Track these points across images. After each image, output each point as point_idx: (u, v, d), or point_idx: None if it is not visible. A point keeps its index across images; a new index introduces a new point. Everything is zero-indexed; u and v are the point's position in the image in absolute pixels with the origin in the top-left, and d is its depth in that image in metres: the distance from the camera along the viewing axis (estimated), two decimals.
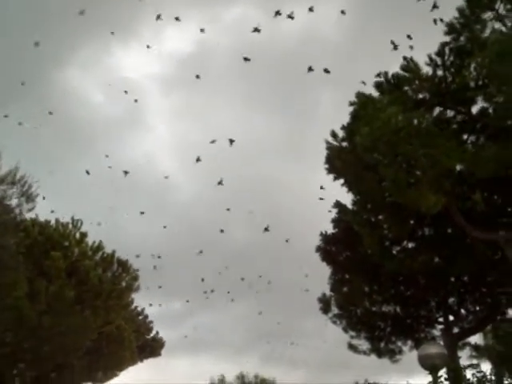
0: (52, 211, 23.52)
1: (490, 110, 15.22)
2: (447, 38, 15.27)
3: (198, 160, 20.58)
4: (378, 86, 16.65)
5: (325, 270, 23.73)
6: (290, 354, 46.71)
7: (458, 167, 15.42)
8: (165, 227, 25.61)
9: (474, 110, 15.67)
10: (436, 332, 22.90)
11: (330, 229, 23.51)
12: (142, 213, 23.28)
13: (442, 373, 11.26)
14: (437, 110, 15.98)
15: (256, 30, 16.40)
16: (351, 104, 16.83)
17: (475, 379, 10.56)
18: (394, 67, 16.02)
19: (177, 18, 15.82)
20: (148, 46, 18.63)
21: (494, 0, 14.15)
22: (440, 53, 15.29)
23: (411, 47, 15.70)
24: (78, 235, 24.26)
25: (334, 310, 23.92)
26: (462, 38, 14.96)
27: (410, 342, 23.31)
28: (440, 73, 15.31)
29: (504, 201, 17.68)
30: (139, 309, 34.90)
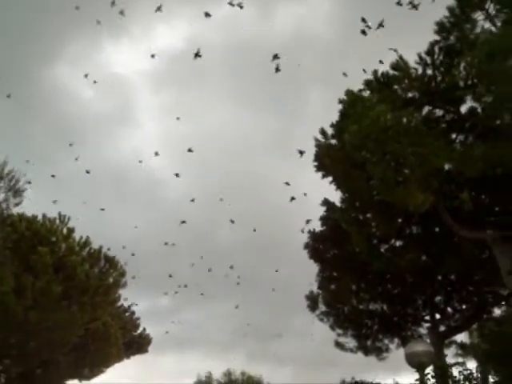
0: (52, 202, 23.45)
1: (479, 110, 15.27)
2: (437, 37, 15.29)
3: (189, 150, 20.66)
4: (367, 84, 16.66)
5: (312, 268, 23.80)
6: (276, 352, 46.86)
7: (447, 166, 15.45)
8: (136, 227, 25.61)
9: (463, 109, 15.72)
10: (423, 330, 23.06)
11: (318, 226, 23.58)
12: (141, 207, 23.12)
13: (429, 370, 11.31)
14: (426, 108, 16.00)
15: (207, 14, 16.24)
16: (340, 102, 16.85)
17: (462, 377, 10.61)
18: (384, 66, 16.04)
19: (158, 8, 15.63)
20: (138, 45, 18.45)
21: (484, 0, 14.20)
22: (430, 52, 15.31)
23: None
24: (65, 230, 24.12)
25: (322, 307, 24.00)
26: (451, 37, 15.00)
27: (396, 340, 23.46)
28: (429, 72, 15.34)
29: (491, 200, 17.75)
30: (126, 305, 34.83)
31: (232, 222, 22.25)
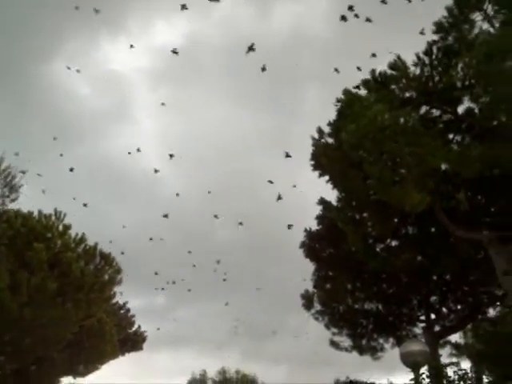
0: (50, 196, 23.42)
1: (476, 110, 15.29)
2: (435, 37, 15.31)
3: (171, 156, 20.71)
4: (364, 83, 16.66)
5: (308, 267, 23.82)
6: (271, 350, 46.88)
7: (443, 166, 15.46)
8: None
9: (460, 109, 15.73)
10: (417, 330, 23.08)
11: (314, 225, 23.59)
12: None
13: (424, 370, 11.32)
14: (423, 108, 16.03)
15: (183, 7, 16.24)
16: (338, 101, 16.85)
17: (457, 376, 10.63)
18: (382, 65, 16.04)
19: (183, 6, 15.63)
20: (132, 46, 18.38)
21: (483, 0, 14.21)
22: (428, 52, 15.33)
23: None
24: (61, 227, 24.05)
25: (317, 306, 23.99)
26: (450, 38, 15.01)
27: (391, 340, 23.48)
28: (427, 72, 15.35)
29: (487, 201, 17.78)
30: (121, 302, 34.81)
31: (240, 223, 22.13)
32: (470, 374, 11.43)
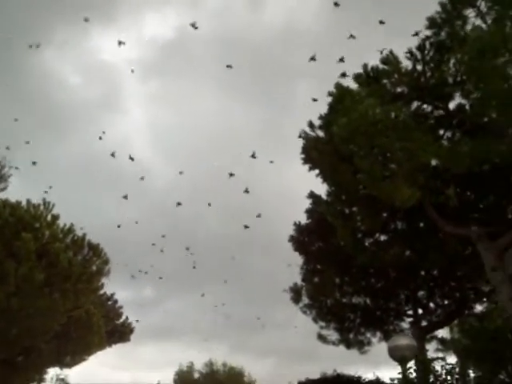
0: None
1: (467, 107, 15.33)
2: (428, 32, 15.30)
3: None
4: (356, 77, 16.63)
5: (297, 260, 23.85)
6: (259, 343, 47.00)
7: (433, 162, 15.49)
8: (137, 222, 25.34)
9: (452, 105, 15.77)
10: (405, 324, 23.21)
11: (304, 219, 23.62)
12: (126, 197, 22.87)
13: (411, 364, 11.39)
14: (414, 104, 16.05)
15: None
16: (329, 94, 16.81)
17: (444, 371, 10.70)
18: (375, 59, 16.02)
19: None
20: (120, 43, 18.17)
21: None
22: (420, 47, 15.32)
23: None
24: (49, 217, 23.90)
25: (305, 300, 24.04)
26: (442, 33, 15.00)
27: (378, 334, 23.59)
28: (419, 67, 15.35)
29: (476, 197, 17.88)
30: (108, 293, 34.75)
31: (246, 227, 22.02)
32: (457, 369, 11.52)
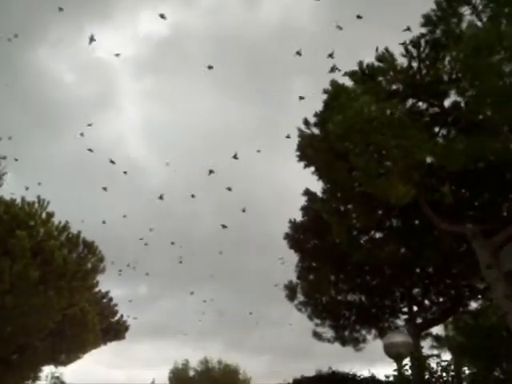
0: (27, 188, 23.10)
1: (462, 104, 15.34)
2: (424, 30, 15.30)
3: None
4: (352, 75, 16.62)
5: (292, 258, 23.87)
6: (254, 341, 47.04)
7: (428, 159, 15.50)
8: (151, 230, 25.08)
9: (447, 103, 15.78)
10: (400, 322, 23.27)
11: (299, 216, 23.64)
12: (104, 188, 22.65)
13: (407, 361, 11.41)
14: (410, 101, 16.05)
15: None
16: (325, 92, 16.79)
17: (440, 368, 10.74)
18: (370, 57, 16.01)
19: None
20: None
21: None
22: (416, 44, 15.33)
23: None
24: (44, 215, 23.85)
25: (300, 297, 24.06)
26: (438, 31, 15.00)
27: (373, 331, 23.62)
28: (415, 65, 15.36)
29: (471, 194, 17.91)
30: (103, 291, 34.72)
31: (224, 227, 21.85)
32: (452, 367, 11.55)
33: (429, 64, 15.21)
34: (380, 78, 15.86)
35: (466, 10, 14.30)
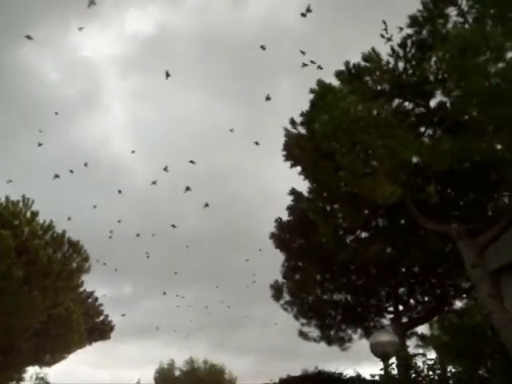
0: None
1: (448, 104, 15.39)
2: (410, 31, 15.34)
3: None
4: (338, 74, 16.63)
5: (278, 258, 23.89)
6: (240, 340, 47.05)
7: (414, 159, 15.55)
8: (119, 221, 24.90)
9: (433, 103, 15.83)
10: (385, 321, 23.37)
11: (285, 216, 23.66)
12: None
13: (393, 360, 11.44)
14: (396, 101, 16.07)
15: None
16: (311, 91, 16.79)
17: (426, 366, 10.79)
18: (357, 56, 16.03)
19: None
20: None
21: None
22: (402, 44, 15.38)
23: None
24: (28, 214, 23.72)
25: (286, 297, 24.09)
26: (424, 32, 15.06)
27: (359, 331, 23.71)
28: (401, 65, 15.40)
29: (457, 194, 18.00)
30: (88, 290, 34.58)
31: (206, 205, 21.77)
32: (437, 366, 11.60)
33: (415, 64, 15.24)
34: (366, 78, 15.88)
35: (452, 11, 14.36)
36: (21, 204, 23.54)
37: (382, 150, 14.13)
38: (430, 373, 10.68)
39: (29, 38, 16.30)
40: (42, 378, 29.69)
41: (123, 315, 34.33)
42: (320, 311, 23.48)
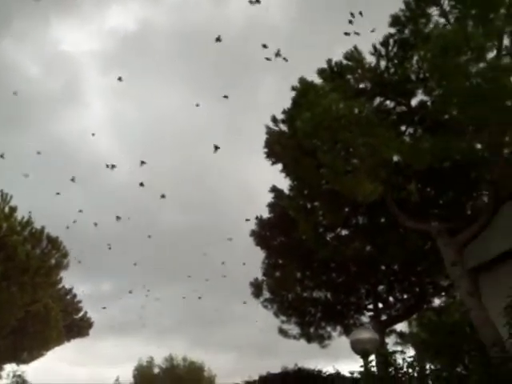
0: None
1: (429, 103, 15.49)
2: (392, 30, 15.39)
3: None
4: (320, 72, 16.65)
5: (258, 256, 23.91)
6: (219, 338, 47.03)
7: (395, 158, 15.62)
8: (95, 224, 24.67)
9: (414, 102, 15.91)
10: (365, 318, 23.50)
11: (266, 213, 23.68)
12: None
13: (373, 357, 11.51)
14: (377, 100, 16.13)
15: None
16: (293, 89, 16.81)
17: (405, 364, 10.86)
18: (340, 55, 16.05)
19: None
20: None
21: None
22: (384, 43, 15.44)
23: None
24: (6, 209, 23.47)
25: (266, 294, 24.12)
26: (406, 31, 15.12)
27: (339, 328, 23.81)
28: (383, 63, 15.46)
29: (437, 193, 18.15)
30: (67, 287, 34.35)
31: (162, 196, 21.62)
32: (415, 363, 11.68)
33: (397, 63, 15.31)
34: (348, 76, 15.93)
35: (434, 11, 14.42)
36: None
37: (363, 148, 14.17)
38: (410, 370, 10.75)
39: None
40: (19, 376, 29.36)
41: (104, 307, 34.17)
42: (300, 309, 23.55)
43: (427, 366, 12.53)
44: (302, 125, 14.48)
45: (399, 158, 15.37)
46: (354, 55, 15.57)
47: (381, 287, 23.13)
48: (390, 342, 24.36)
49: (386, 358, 10.96)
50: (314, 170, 16.11)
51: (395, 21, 15.24)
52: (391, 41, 15.45)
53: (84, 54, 56.01)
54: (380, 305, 23.05)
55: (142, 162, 20.69)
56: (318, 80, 16.39)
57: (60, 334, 27.60)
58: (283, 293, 23.74)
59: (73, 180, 21.38)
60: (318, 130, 14.14)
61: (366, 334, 11.77)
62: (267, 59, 17.22)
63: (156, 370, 44.10)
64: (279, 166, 18.91)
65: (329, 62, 16.41)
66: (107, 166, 20.58)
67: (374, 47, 15.56)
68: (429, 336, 16.82)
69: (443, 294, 22.30)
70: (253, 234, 23.72)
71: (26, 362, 27.68)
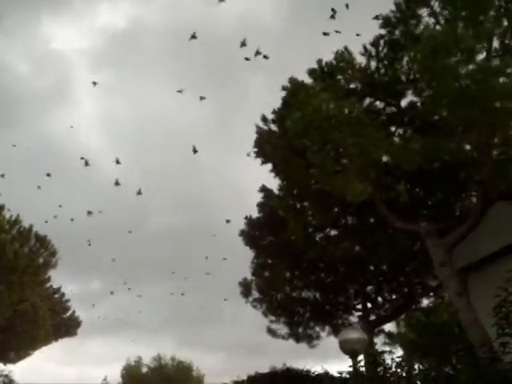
0: None
1: (419, 104, 15.54)
2: (383, 31, 15.44)
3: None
4: (311, 72, 16.67)
5: (247, 255, 23.89)
6: (208, 337, 46.97)
7: (384, 158, 15.65)
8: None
9: (404, 103, 15.96)
10: (353, 319, 23.52)
11: (255, 213, 23.66)
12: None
13: (362, 357, 11.51)
14: (367, 100, 16.17)
15: None
16: (284, 89, 16.81)
17: (394, 364, 10.88)
18: (331, 55, 16.08)
19: None
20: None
21: None
22: (375, 44, 15.48)
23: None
24: None
25: (255, 294, 24.10)
26: (396, 32, 15.16)
27: (327, 328, 23.82)
28: (374, 64, 15.51)
29: (426, 193, 18.22)
30: (55, 286, 34.19)
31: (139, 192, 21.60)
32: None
33: (387, 64, 15.37)
34: (339, 77, 15.96)
35: (424, 12, 14.46)
36: None
37: (353, 148, 14.20)
38: (398, 370, 10.75)
39: None
40: (6, 376, 29.21)
41: (93, 305, 34.10)
42: (289, 308, 23.55)
43: (416, 366, 12.55)
44: (292, 124, 14.48)
45: (389, 158, 15.41)
46: (345, 56, 15.63)
47: (369, 287, 23.17)
48: (379, 342, 24.45)
49: (374, 358, 10.95)
50: (303, 170, 16.13)
51: (386, 22, 15.28)
52: (381, 41, 15.50)
53: (74, 51, 55.84)
54: (369, 305, 23.09)
55: (117, 162, 20.71)
56: (308, 80, 16.44)
57: (48, 333, 27.47)
58: (272, 292, 23.72)
59: (48, 175, 21.29)
60: (307, 129, 14.15)
61: (354, 334, 11.76)
62: (246, 59, 17.24)
63: (144, 370, 43.94)
64: (269, 166, 18.95)
65: (319, 62, 16.45)
66: (81, 158, 20.61)
67: (365, 48, 15.63)
68: (417, 336, 16.90)
69: (432, 294, 22.37)
70: (242, 233, 23.69)
71: (13, 361, 27.53)
